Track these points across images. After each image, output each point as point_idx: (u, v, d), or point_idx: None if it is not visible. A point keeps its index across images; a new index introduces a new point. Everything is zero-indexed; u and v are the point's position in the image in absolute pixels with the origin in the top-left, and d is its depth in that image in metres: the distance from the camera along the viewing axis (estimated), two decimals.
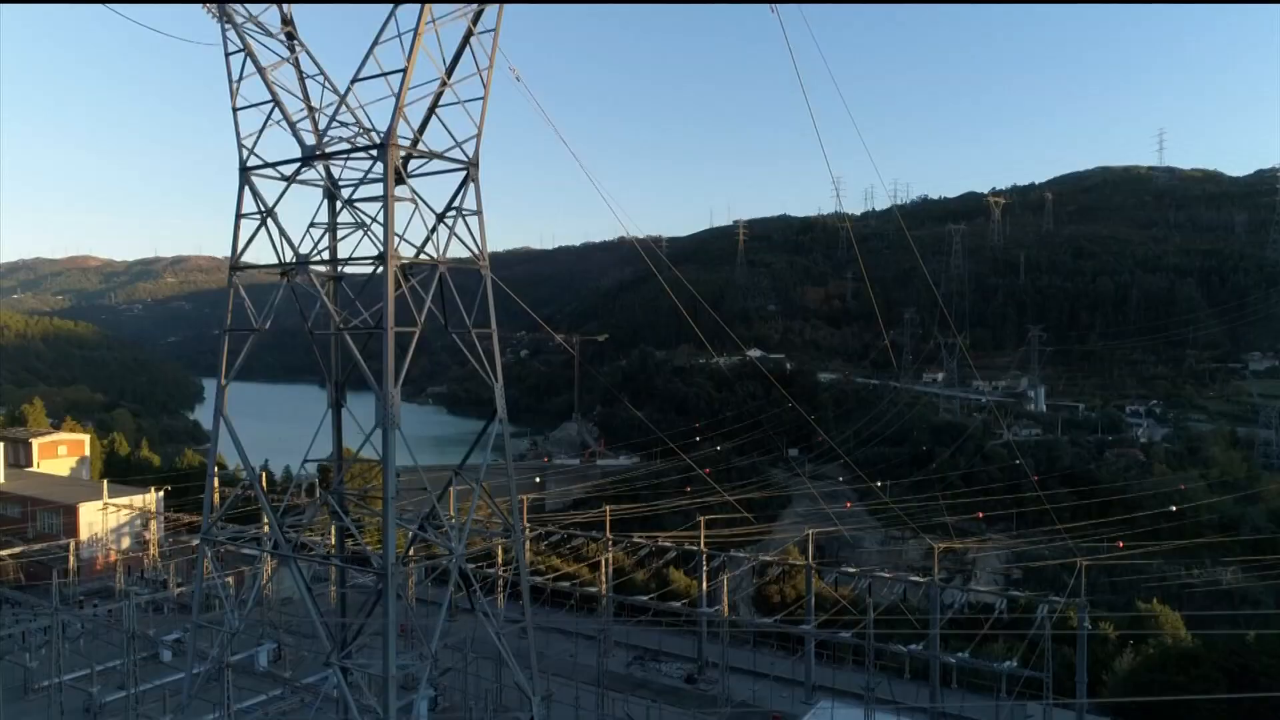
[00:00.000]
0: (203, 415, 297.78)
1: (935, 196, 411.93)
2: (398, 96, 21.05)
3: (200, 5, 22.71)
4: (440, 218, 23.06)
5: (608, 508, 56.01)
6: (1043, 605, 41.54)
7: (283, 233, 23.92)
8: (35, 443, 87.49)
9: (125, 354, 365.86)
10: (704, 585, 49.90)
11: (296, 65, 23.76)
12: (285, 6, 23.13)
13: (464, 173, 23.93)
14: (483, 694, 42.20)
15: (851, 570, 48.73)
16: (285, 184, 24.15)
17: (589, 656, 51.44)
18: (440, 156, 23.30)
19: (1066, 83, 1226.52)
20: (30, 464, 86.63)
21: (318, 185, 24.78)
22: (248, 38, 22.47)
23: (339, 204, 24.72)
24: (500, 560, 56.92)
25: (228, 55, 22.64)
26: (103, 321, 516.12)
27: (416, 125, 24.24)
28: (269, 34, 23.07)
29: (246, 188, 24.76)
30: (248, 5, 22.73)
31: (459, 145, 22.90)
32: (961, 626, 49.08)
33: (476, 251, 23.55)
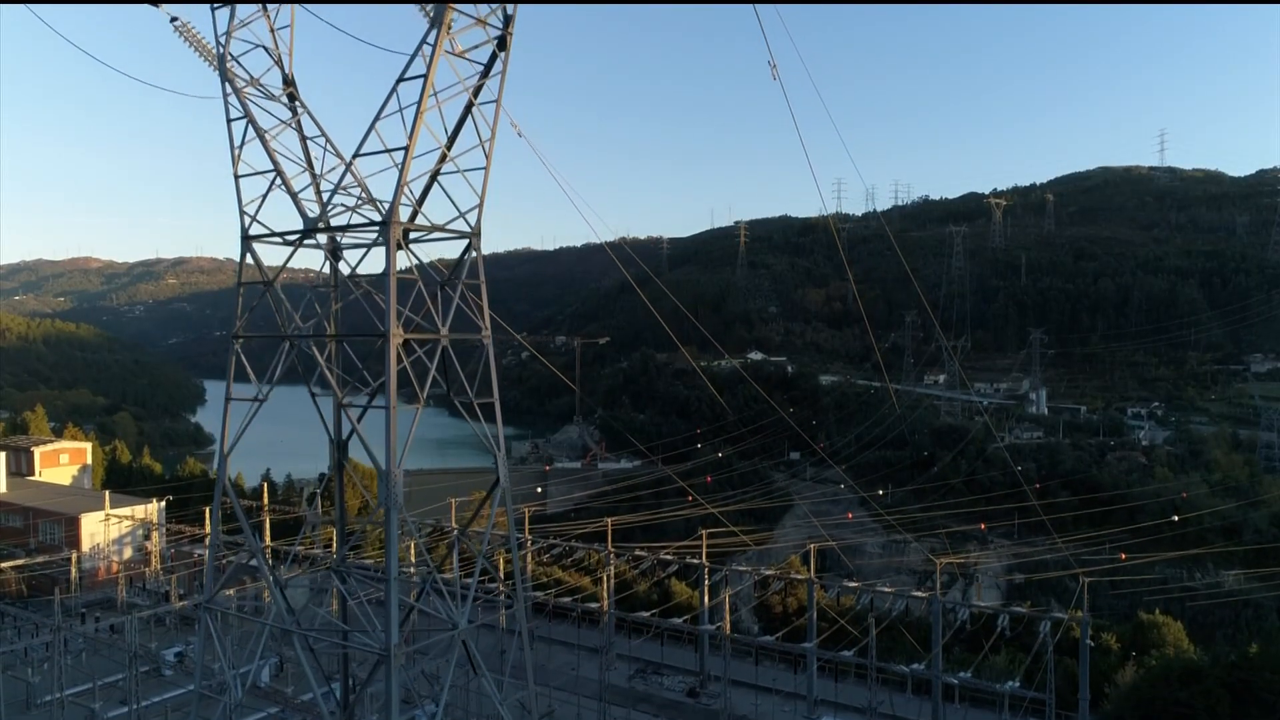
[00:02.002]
0: (204, 418, 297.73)
1: (936, 197, 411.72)
2: (400, 174, 20.96)
3: (205, 62, 22.61)
4: (442, 285, 22.98)
5: (609, 521, 55.95)
6: (1045, 621, 41.47)
7: (284, 302, 23.77)
8: (37, 451, 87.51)
9: (127, 356, 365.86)
10: (705, 601, 49.84)
11: (299, 129, 23.66)
12: (288, 66, 23.05)
13: (465, 243, 23.80)
14: (484, 715, 42.17)
15: (853, 585, 48.61)
16: (289, 250, 23.94)
17: (591, 669, 51.42)
18: (442, 229, 23.23)
19: (1067, 83, 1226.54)
20: (32, 473, 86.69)
21: (319, 247, 24.66)
22: (249, 103, 22.41)
23: (341, 267, 24.57)
24: (502, 572, 56.87)
25: (229, 121, 22.56)
26: (104, 323, 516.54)
27: (418, 193, 24.09)
28: (271, 97, 22.95)
29: (249, 255, 24.61)
30: (248, 66, 22.62)
31: (462, 215, 22.81)
32: (964, 639, 49.05)
33: (479, 321, 23.35)
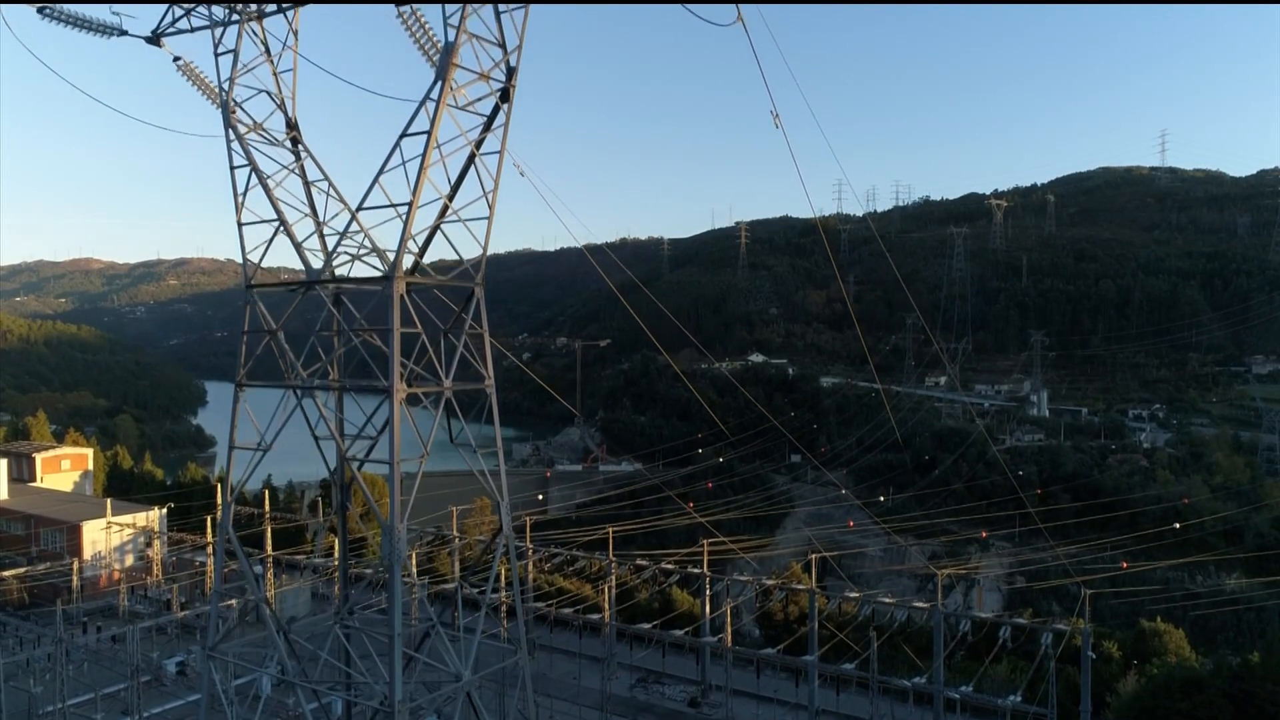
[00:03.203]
0: (205, 420, 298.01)
1: (937, 198, 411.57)
2: (404, 230, 20.96)
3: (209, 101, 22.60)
4: (445, 332, 22.96)
5: (610, 529, 55.95)
6: (1047, 633, 41.45)
7: (287, 352, 23.71)
8: (39, 458, 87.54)
9: (128, 357, 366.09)
10: (707, 612, 49.85)
11: (302, 174, 23.64)
12: (290, 111, 23.04)
13: (469, 292, 23.70)
14: None
15: (854, 595, 48.62)
16: (294, 295, 23.85)
17: (593, 679, 51.48)
18: (445, 283, 23.19)
19: (1068, 83, 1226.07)
20: (34, 478, 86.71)
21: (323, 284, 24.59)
22: (252, 150, 22.39)
23: (344, 306, 24.54)
24: (502, 582, 56.90)
25: (233, 169, 22.52)
26: (105, 324, 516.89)
27: (421, 241, 24.03)
28: (274, 142, 22.91)
29: (251, 304, 24.51)
30: (252, 111, 22.58)
31: (466, 264, 22.79)
32: (966, 648, 48.99)
33: (482, 369, 23.30)
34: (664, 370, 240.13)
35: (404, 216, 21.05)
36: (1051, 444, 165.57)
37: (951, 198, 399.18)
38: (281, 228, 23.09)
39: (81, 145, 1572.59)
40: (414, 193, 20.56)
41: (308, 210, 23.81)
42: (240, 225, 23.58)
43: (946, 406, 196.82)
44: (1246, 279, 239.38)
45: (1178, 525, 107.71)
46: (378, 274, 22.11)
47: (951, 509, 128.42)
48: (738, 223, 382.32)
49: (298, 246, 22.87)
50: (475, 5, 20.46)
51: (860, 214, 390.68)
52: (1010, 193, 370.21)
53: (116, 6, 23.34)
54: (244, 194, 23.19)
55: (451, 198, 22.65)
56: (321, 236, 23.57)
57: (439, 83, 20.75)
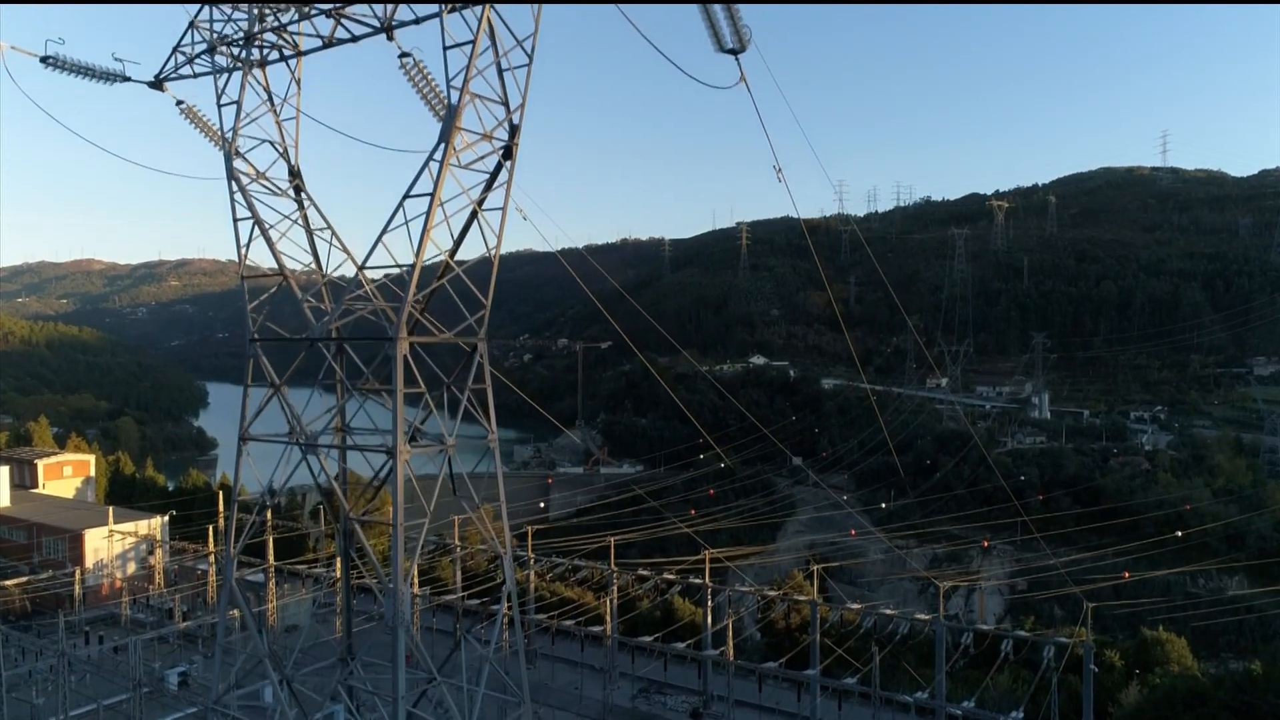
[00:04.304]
0: (206, 422, 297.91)
1: (938, 198, 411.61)
2: (407, 292, 20.91)
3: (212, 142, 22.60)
4: (447, 386, 22.90)
5: (612, 539, 55.95)
6: (1049, 646, 41.42)
7: (291, 408, 23.66)
8: (40, 464, 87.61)
9: (129, 359, 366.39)
10: (709, 624, 49.82)
11: (305, 224, 23.62)
12: (293, 159, 23.00)
13: (471, 350, 23.65)
14: None
15: (855, 607, 48.60)
16: (299, 348, 23.81)
17: (595, 689, 51.47)
18: (449, 340, 23.11)
19: (1069, 83, 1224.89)
20: (36, 485, 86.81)
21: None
22: (255, 201, 22.34)
23: (348, 356, 24.51)
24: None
25: (236, 221, 22.46)
26: (107, 325, 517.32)
27: (425, 294, 23.80)
28: (277, 191, 22.86)
29: (254, 358, 24.56)
30: (255, 160, 22.49)
31: (470, 320, 22.72)
32: (969, 658, 48.92)
33: (485, 424, 23.21)
34: (664, 373, 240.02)
35: (408, 275, 20.98)
36: (1053, 446, 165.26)
37: (952, 198, 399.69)
38: (285, 281, 23.03)
39: (82, 145, 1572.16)
40: (417, 254, 20.50)
41: (311, 259, 23.75)
42: (244, 278, 23.52)
43: (948, 409, 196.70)
44: (1248, 280, 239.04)
45: (1179, 534, 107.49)
46: (381, 337, 22.00)
47: (953, 516, 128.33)
48: (739, 223, 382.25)
49: (301, 302, 22.77)
50: (479, 67, 20.47)
51: (862, 214, 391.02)
52: (1011, 193, 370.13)
53: (119, 51, 23.37)
54: (247, 246, 23.19)
55: (453, 255, 22.66)
56: (325, 289, 23.51)
57: (442, 144, 20.69)
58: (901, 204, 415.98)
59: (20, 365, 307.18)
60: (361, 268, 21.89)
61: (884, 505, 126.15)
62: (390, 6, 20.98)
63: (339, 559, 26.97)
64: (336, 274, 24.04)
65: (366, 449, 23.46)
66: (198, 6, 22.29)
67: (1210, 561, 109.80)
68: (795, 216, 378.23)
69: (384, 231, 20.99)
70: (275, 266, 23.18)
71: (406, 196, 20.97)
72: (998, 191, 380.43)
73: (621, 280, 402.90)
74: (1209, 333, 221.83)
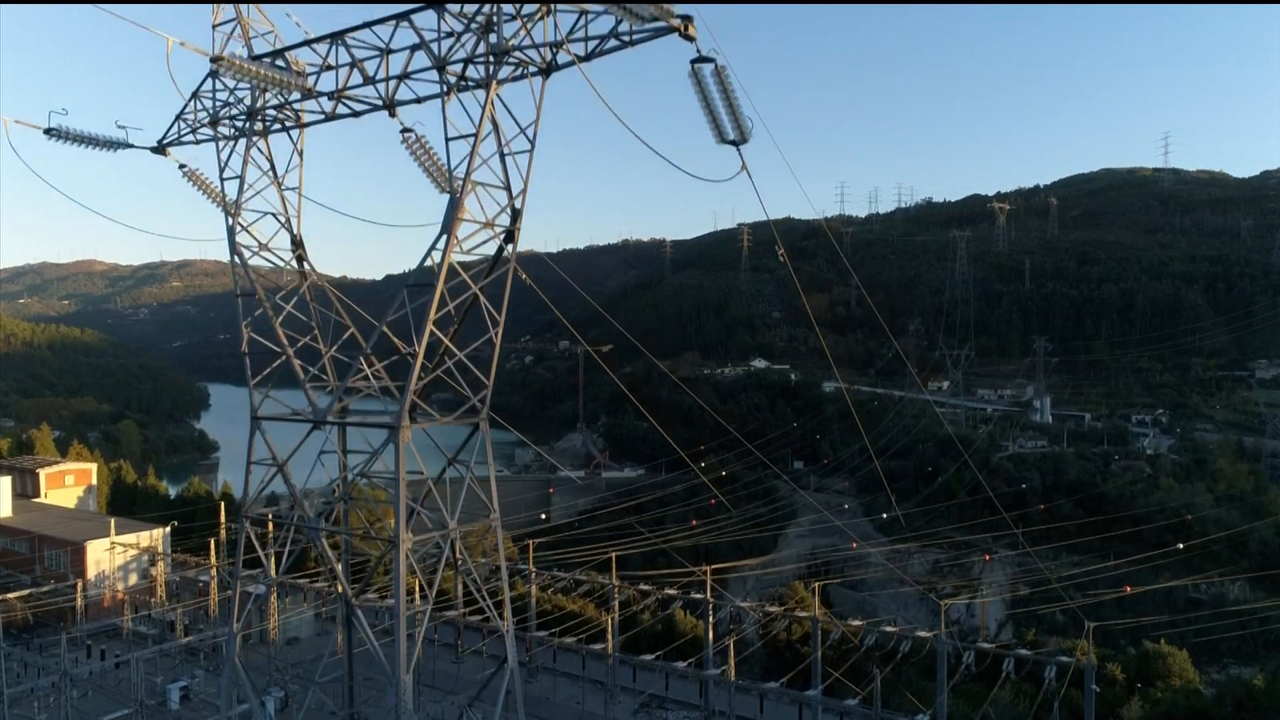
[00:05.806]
0: (208, 424, 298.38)
1: (939, 200, 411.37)
2: (409, 380, 20.94)
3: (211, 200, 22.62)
4: (451, 462, 22.95)
5: (613, 553, 55.98)
6: (1051, 665, 41.44)
7: (294, 487, 23.68)
8: (42, 473, 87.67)
9: (131, 360, 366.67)
10: (710, 640, 49.85)
11: (309, 297, 23.64)
12: (296, 228, 23.04)
13: (474, 426, 23.71)
14: None
15: (857, 624, 48.63)
16: (302, 427, 23.81)
17: (596, 703, 51.49)
18: (451, 421, 23.13)
19: (1070, 84, 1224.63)
20: (38, 494, 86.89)
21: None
22: (255, 276, 22.36)
23: (350, 433, 24.58)
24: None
25: (238, 296, 22.49)
26: (108, 326, 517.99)
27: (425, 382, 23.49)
28: (280, 264, 22.90)
29: (257, 435, 24.70)
30: (257, 233, 22.48)
31: (474, 399, 22.71)
32: (971, 677, 48.88)
33: (488, 503, 23.20)
34: (665, 376, 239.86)
35: (412, 358, 20.98)
36: (1054, 450, 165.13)
37: (954, 200, 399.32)
38: (287, 361, 23.12)
39: (82, 146, 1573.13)
40: (419, 345, 20.53)
41: (314, 331, 23.73)
42: (246, 355, 23.53)
43: (949, 412, 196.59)
44: (1250, 283, 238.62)
45: (1180, 546, 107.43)
46: (383, 424, 21.98)
47: (955, 523, 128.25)
48: (740, 224, 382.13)
49: (304, 387, 22.82)
50: (482, 156, 20.58)
51: (863, 215, 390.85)
52: (1013, 195, 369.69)
53: (122, 119, 23.49)
54: (249, 321, 23.16)
55: (454, 336, 22.57)
56: (328, 362, 23.54)
57: (445, 235, 20.74)
58: (903, 205, 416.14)
59: (22, 367, 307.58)
60: (369, 347, 21.90)
61: (885, 516, 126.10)
62: (393, 84, 21.03)
63: (340, 634, 26.94)
64: (340, 339, 24.07)
65: (369, 538, 23.55)
66: (202, 76, 22.50)
67: (1213, 572, 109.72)
68: (795, 217, 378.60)
69: (386, 320, 20.99)
70: (280, 341, 23.24)
71: (408, 286, 20.94)
72: (999, 193, 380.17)
73: (623, 281, 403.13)
74: (1210, 336, 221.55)
